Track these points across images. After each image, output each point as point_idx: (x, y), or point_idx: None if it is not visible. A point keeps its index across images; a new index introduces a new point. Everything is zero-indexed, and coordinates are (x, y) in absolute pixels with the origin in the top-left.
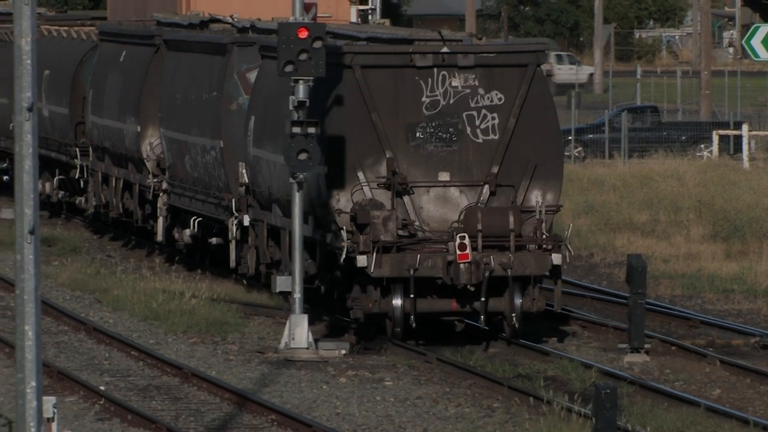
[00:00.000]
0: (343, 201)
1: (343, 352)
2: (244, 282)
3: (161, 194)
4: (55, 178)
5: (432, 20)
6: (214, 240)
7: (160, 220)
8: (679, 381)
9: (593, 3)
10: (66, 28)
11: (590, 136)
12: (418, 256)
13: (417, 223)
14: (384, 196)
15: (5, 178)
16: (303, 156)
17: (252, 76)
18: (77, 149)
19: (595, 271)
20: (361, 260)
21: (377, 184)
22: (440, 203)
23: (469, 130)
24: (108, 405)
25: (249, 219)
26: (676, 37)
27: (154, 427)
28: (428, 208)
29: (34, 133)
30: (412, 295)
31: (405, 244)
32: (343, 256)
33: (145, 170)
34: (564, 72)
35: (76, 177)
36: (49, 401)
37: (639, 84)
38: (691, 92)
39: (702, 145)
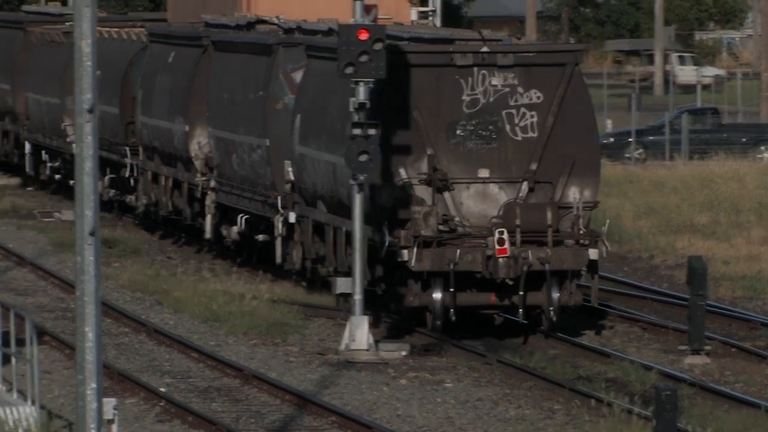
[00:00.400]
0: (385, 197)
1: (404, 353)
2: (304, 284)
3: (209, 192)
4: (106, 177)
5: (492, 22)
6: (260, 237)
7: (209, 218)
8: (740, 383)
9: (654, 5)
10: (116, 29)
11: (651, 137)
12: (458, 250)
13: (457, 219)
14: (425, 192)
15: (57, 176)
16: (364, 158)
17: (297, 75)
18: (127, 148)
19: (655, 272)
20: (403, 255)
21: (418, 181)
22: (480, 199)
23: (508, 127)
24: (168, 407)
25: (294, 216)
26: (737, 38)
27: (215, 429)
28: (468, 204)
29: (95, 135)
30: (451, 289)
31: (445, 239)
32: (385, 250)
33: (193, 169)
34: (686, 73)
35: (127, 176)
36: (109, 403)
37: (699, 86)
38: (751, 94)
39: (762, 147)
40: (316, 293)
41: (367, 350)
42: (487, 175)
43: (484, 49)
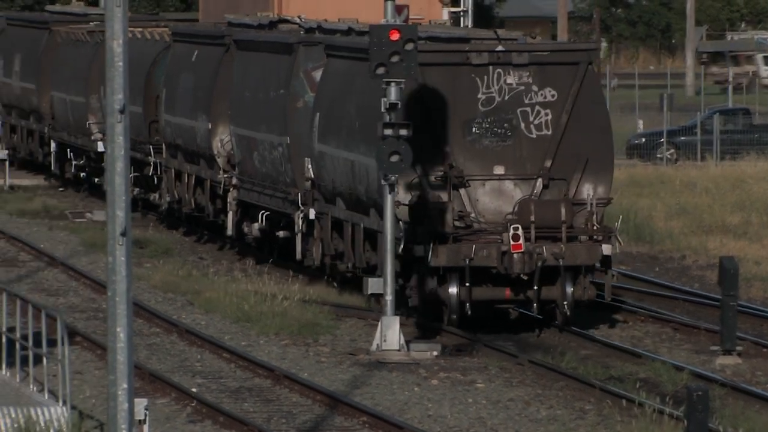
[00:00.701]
0: (402, 194)
1: (435, 353)
2: (335, 284)
3: (231, 189)
4: (130, 175)
5: (524, 22)
6: (281, 233)
7: (230, 215)
8: None
9: (685, 5)
10: (140, 29)
11: (682, 138)
12: (474, 246)
13: (472, 215)
14: (441, 189)
15: (82, 175)
16: (395, 158)
17: (317, 74)
18: (151, 147)
19: (687, 273)
20: (419, 250)
21: (435, 178)
22: (495, 196)
23: (523, 125)
24: (200, 407)
25: (314, 212)
26: None
27: (246, 430)
28: (483, 201)
29: (126, 135)
30: (467, 284)
31: (461, 235)
32: (402, 246)
33: (216, 166)
34: None
35: (150, 174)
36: (140, 403)
37: (731, 87)
38: None
39: None
40: (347, 293)
41: (398, 350)
42: (503, 172)
43: (499, 48)
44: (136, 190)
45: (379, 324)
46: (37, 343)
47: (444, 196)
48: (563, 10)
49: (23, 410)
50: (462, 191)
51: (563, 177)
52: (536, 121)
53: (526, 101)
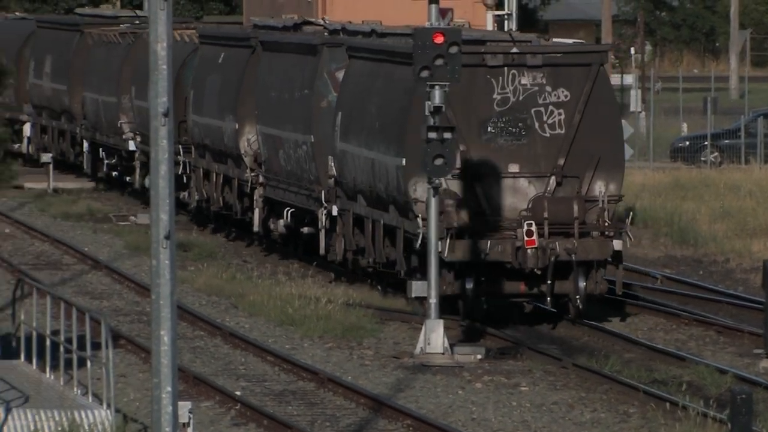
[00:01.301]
0: (420, 191)
1: (479, 356)
2: (380, 287)
3: (258, 187)
4: None
5: (568, 25)
6: (305, 229)
7: (257, 212)
8: None
9: (729, 9)
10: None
11: (726, 141)
12: (489, 241)
13: (488, 212)
14: (457, 186)
15: (114, 174)
16: (439, 161)
17: (341, 74)
18: (180, 146)
19: (731, 276)
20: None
21: (451, 175)
22: (510, 193)
23: (536, 125)
24: (244, 410)
25: (337, 209)
26: None
27: None
28: (498, 198)
29: (170, 139)
30: (482, 279)
31: (477, 231)
32: (419, 241)
33: (243, 165)
34: None
35: (179, 173)
36: (184, 406)
37: None
38: None
39: None
40: (390, 297)
41: (442, 354)
42: (517, 170)
43: (514, 49)
44: None
45: (423, 327)
46: (81, 346)
47: (460, 192)
48: (607, 13)
49: (67, 413)
50: (478, 188)
51: (576, 175)
52: (550, 121)
53: (540, 101)
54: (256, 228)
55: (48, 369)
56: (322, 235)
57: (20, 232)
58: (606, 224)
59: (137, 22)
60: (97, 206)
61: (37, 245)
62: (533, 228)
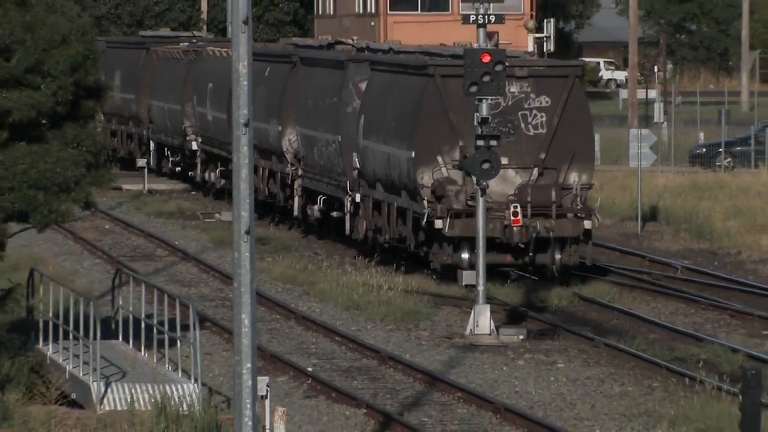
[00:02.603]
0: (426, 178)
1: (521, 337)
2: (435, 276)
3: (297, 179)
4: (218, 170)
5: (599, 47)
6: (335, 213)
7: (296, 200)
8: None
9: (741, 32)
10: (226, 50)
11: (738, 148)
12: None
13: None
14: (457, 175)
15: (177, 169)
16: (486, 165)
17: (363, 85)
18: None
19: (742, 266)
20: (438, 223)
21: (452, 166)
22: (500, 181)
23: (522, 125)
24: (315, 384)
25: (360, 196)
26: None
27: (356, 404)
28: (490, 185)
29: (250, 146)
30: (476, 251)
31: (472, 212)
32: (425, 219)
33: (285, 161)
34: None
35: (232, 168)
36: (262, 381)
37: None
38: None
39: None
40: (444, 284)
41: (489, 335)
42: (506, 162)
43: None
44: (223, 181)
45: (472, 311)
46: (172, 328)
47: (459, 181)
48: (634, 36)
49: (159, 387)
50: (474, 177)
51: (554, 167)
52: (533, 122)
53: (526, 106)
54: (295, 213)
55: (143, 348)
56: (347, 218)
57: (119, 227)
58: (578, 207)
59: (194, 41)
60: (186, 205)
61: (133, 239)
62: (518, 210)
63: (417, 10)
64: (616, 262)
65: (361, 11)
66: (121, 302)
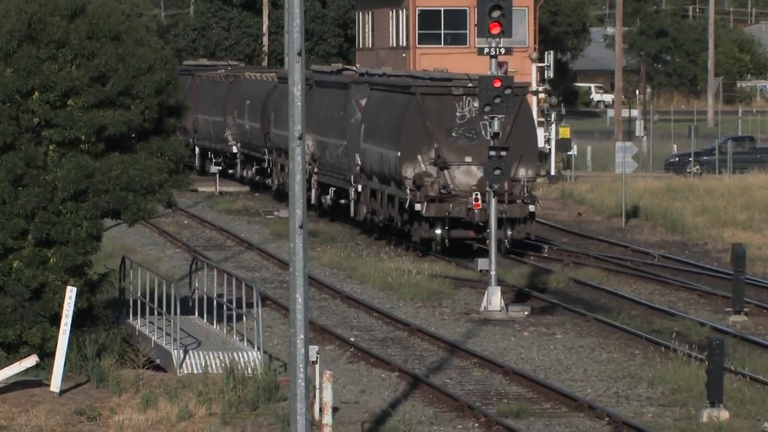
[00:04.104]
0: (408, 172)
1: (526, 313)
2: (454, 263)
3: (314, 175)
4: (253, 168)
5: (591, 74)
6: (342, 201)
7: (313, 191)
8: None
9: (707, 62)
10: (260, 74)
11: (705, 157)
12: (451, 204)
13: (451, 186)
14: (432, 170)
15: (218, 168)
16: (497, 172)
17: (363, 101)
18: (266, 149)
19: (708, 255)
20: (418, 207)
21: (429, 163)
22: (466, 175)
23: (483, 132)
24: (356, 352)
25: (360, 187)
26: None
27: (390, 368)
28: (458, 177)
29: (303, 155)
30: (447, 228)
31: (444, 198)
32: (408, 203)
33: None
34: None
35: (265, 167)
36: (313, 349)
37: (740, 121)
38: None
39: None
40: (462, 269)
41: (499, 311)
42: (471, 161)
43: (470, 84)
44: (257, 177)
45: (486, 292)
46: (239, 305)
47: (434, 174)
48: (619, 65)
49: (228, 354)
50: (445, 172)
51: (507, 164)
52: (491, 130)
53: (485, 118)
54: (312, 201)
55: (215, 322)
56: (352, 204)
57: (195, 223)
58: (525, 195)
59: (229, 68)
60: (250, 204)
61: (207, 232)
62: (479, 196)
63: (441, 44)
64: (604, 252)
65: (394, 45)
66: (197, 284)
